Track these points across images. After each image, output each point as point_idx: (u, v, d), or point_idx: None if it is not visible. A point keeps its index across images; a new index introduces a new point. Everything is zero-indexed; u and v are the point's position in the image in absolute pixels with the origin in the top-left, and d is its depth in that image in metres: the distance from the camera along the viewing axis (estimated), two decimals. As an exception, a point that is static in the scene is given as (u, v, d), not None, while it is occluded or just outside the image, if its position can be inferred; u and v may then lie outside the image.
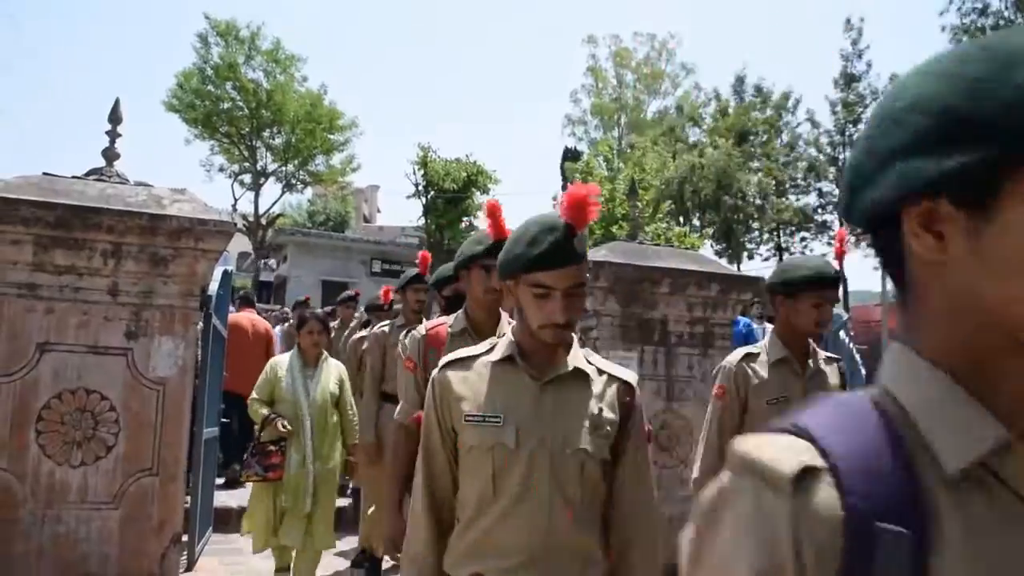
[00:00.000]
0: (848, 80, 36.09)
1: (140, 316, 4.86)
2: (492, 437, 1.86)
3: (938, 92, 0.68)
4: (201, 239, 4.91)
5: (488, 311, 2.99)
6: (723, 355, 6.80)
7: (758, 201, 34.42)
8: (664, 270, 6.09)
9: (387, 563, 5.48)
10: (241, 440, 8.36)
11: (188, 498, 5.23)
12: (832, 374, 3.12)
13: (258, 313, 9.22)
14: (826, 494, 0.66)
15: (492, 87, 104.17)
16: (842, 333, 9.71)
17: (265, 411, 4.79)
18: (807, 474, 0.67)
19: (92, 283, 4.80)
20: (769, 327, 10.10)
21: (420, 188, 27.18)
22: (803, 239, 37.94)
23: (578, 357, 1.96)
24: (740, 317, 8.93)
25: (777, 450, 0.70)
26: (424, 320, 5.18)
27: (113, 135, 5.38)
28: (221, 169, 32.17)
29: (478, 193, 27.41)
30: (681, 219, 29.61)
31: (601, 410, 1.90)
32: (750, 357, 3.09)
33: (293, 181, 32.62)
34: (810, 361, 3.08)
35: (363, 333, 6.96)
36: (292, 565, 4.98)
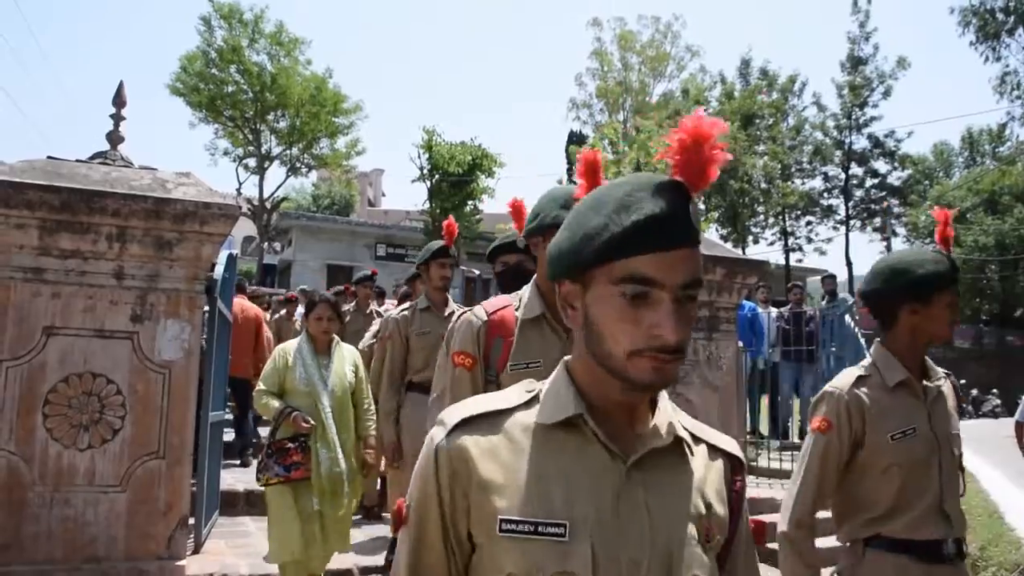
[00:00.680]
0: (855, 63, 35.88)
1: (146, 300, 4.87)
2: (552, 560, 1.09)
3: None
4: (206, 223, 4.91)
5: None
6: (728, 339, 6.82)
7: (764, 185, 34.32)
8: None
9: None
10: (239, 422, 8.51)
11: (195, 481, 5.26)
12: (950, 395, 2.52)
13: (250, 299, 9.11)
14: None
15: (497, 71, 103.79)
16: (847, 317, 9.71)
17: (277, 403, 4.29)
18: None
19: (97, 267, 4.80)
20: (775, 311, 10.11)
21: (425, 172, 27.13)
22: (808, 223, 37.86)
23: (670, 416, 1.22)
24: (745, 301, 8.92)
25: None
26: (449, 300, 4.89)
27: (117, 118, 5.37)
28: (225, 153, 32.17)
29: (483, 177, 27.34)
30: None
31: (710, 507, 1.20)
32: (862, 381, 2.46)
33: (298, 165, 32.60)
34: (927, 381, 2.47)
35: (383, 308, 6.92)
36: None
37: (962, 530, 2.36)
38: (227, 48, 29.44)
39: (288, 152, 31.85)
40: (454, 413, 1.20)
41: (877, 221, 37.03)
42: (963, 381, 25.47)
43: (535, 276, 2.39)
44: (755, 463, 7.88)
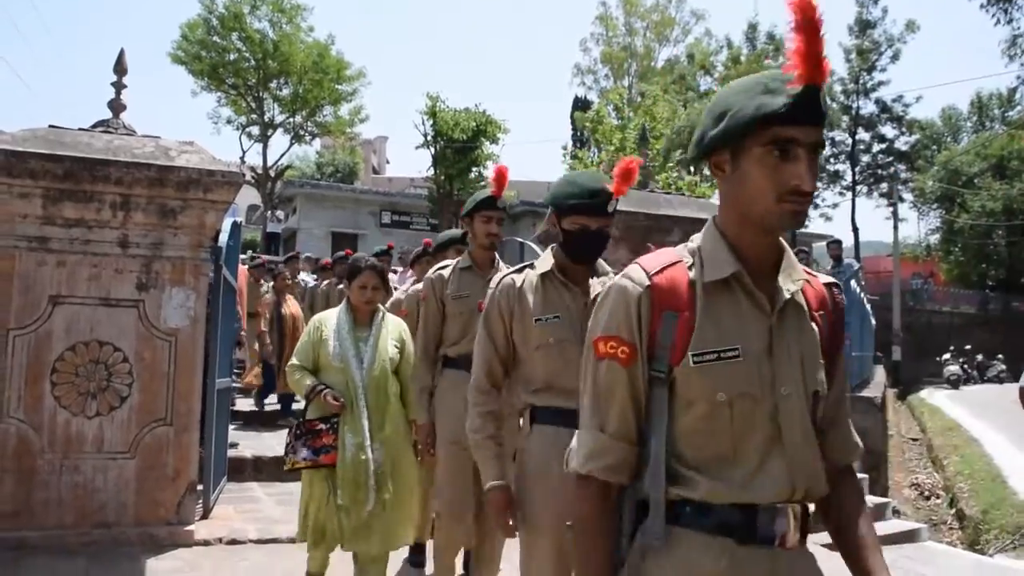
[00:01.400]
0: (863, 27, 35.43)
1: (151, 268, 4.88)
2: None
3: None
4: (209, 190, 4.90)
5: None
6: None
7: (770, 150, 34.01)
8: (675, 218, 6.06)
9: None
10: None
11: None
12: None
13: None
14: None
15: (501, 37, 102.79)
16: (853, 282, 9.69)
17: (310, 381, 3.73)
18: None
19: (102, 235, 4.80)
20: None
21: (429, 138, 26.98)
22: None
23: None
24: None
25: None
26: (497, 260, 3.88)
27: (119, 86, 5.34)
28: (228, 121, 31.99)
29: (487, 143, 27.19)
30: (691, 168, 29.35)
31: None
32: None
33: (301, 133, 32.44)
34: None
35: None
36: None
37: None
38: (228, 15, 29.18)
39: (291, 120, 31.69)
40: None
41: (884, 187, 36.78)
42: (968, 347, 25.50)
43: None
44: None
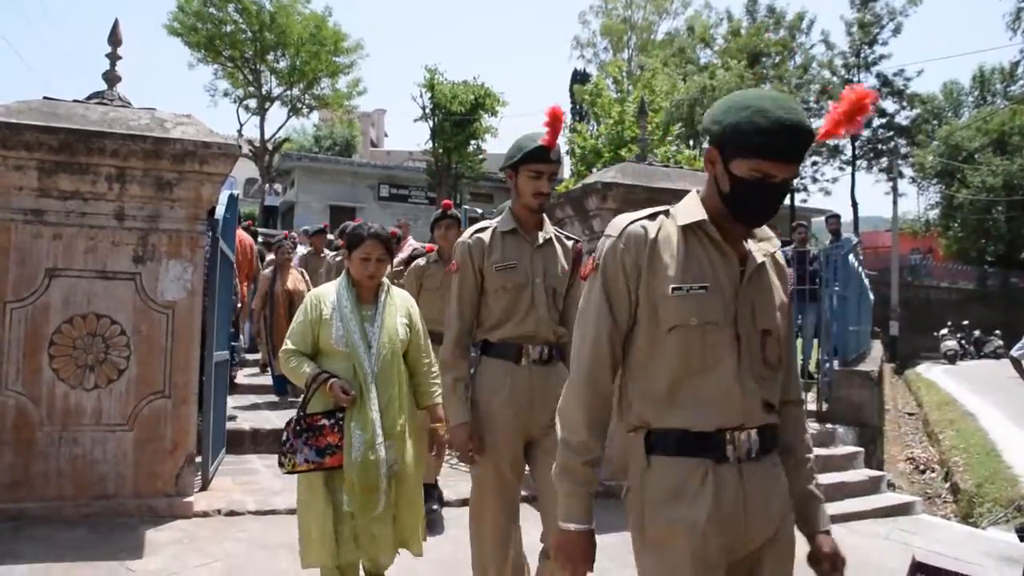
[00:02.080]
0: (865, -1, 35.16)
1: (147, 240, 4.87)
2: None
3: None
4: (206, 162, 4.88)
5: None
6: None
7: (769, 124, 33.86)
8: (673, 192, 6.03)
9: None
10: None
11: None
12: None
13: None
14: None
15: (500, 9, 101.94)
16: (851, 257, 9.68)
17: (310, 368, 3.24)
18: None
19: (98, 208, 4.79)
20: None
21: (427, 111, 26.86)
22: (814, 163, 37.51)
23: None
24: (749, 241, 8.87)
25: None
26: (545, 222, 3.19)
27: (113, 57, 5.30)
28: (225, 94, 31.81)
29: (486, 116, 27.07)
30: (691, 142, 29.25)
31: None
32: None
33: (299, 105, 32.24)
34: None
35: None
36: None
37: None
38: (225, -15, 28.89)
39: (289, 92, 31.49)
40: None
41: (884, 161, 36.69)
42: (966, 322, 25.56)
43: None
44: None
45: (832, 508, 6.21)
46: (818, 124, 1.91)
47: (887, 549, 5.21)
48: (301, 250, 11.45)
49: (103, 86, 5.31)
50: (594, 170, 15.67)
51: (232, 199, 6.02)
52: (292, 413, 3.31)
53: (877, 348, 11.97)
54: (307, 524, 3.21)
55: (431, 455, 3.52)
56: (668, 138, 21.59)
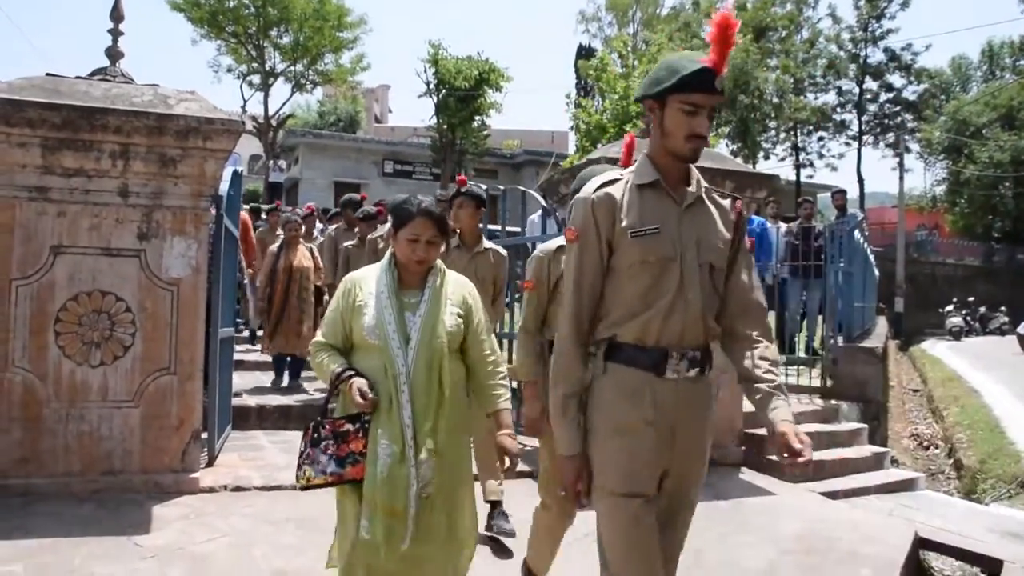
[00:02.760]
0: (873, -29, 34.81)
1: (151, 217, 4.87)
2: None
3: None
4: (209, 138, 4.86)
5: None
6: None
7: (775, 99, 33.70)
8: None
9: None
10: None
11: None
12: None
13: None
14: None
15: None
16: (857, 233, 9.65)
17: (337, 366, 2.75)
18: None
19: (102, 185, 4.78)
20: (784, 227, 10.04)
21: (431, 87, 26.73)
22: (820, 138, 37.34)
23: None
24: (754, 216, 8.85)
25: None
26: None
27: (115, 33, 5.27)
28: (229, 70, 31.69)
29: (490, 91, 26.92)
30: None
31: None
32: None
33: (302, 81, 32.12)
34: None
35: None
36: None
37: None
38: (227, -40, 28.68)
39: (292, 68, 31.35)
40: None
41: (890, 137, 36.47)
42: (971, 299, 25.50)
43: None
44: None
45: (836, 484, 6.25)
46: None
47: (891, 525, 5.24)
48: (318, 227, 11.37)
49: (106, 62, 5.28)
50: (599, 146, 15.61)
51: (236, 175, 6.01)
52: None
53: (882, 324, 11.98)
54: (343, 530, 2.77)
55: (499, 469, 2.91)
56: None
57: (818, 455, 6.53)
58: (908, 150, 34.69)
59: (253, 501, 4.80)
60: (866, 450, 7.05)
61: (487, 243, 4.70)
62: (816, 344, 9.22)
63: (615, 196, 2.22)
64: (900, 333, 21.42)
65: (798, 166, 36.79)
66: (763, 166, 34.53)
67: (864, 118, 36.86)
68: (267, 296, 7.79)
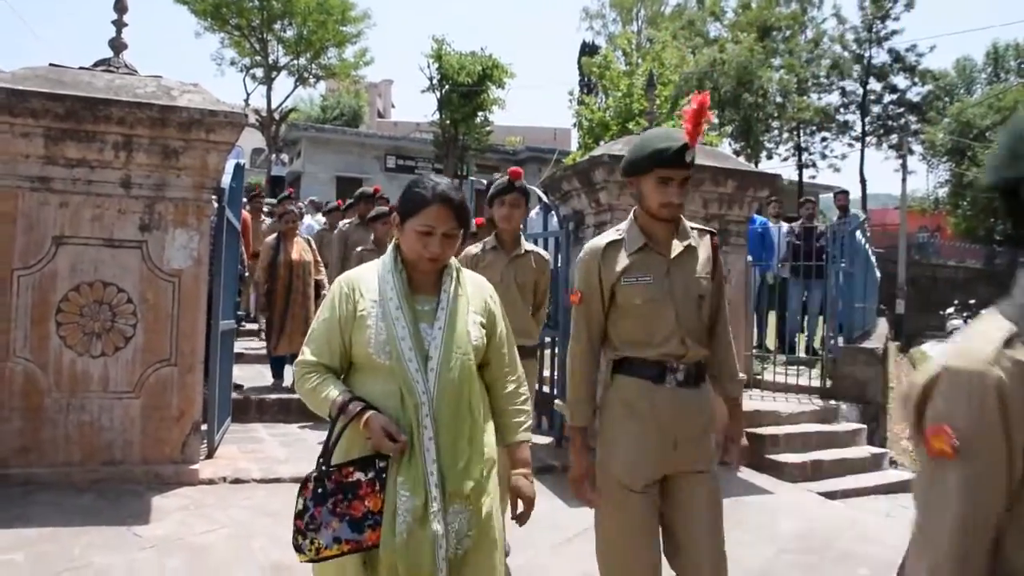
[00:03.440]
0: (878, -28, 34.75)
1: (153, 209, 4.87)
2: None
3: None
4: (212, 131, 4.87)
5: None
6: (738, 253, 6.80)
7: (779, 99, 33.65)
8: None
9: None
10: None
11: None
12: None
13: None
14: None
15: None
16: (859, 234, 9.65)
17: (334, 392, 2.15)
18: None
19: (104, 176, 4.79)
20: (786, 227, 10.04)
21: (434, 82, 26.68)
22: (823, 139, 37.29)
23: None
24: (756, 216, 8.85)
25: None
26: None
27: (119, 24, 5.27)
28: (232, 63, 31.66)
29: (493, 87, 26.89)
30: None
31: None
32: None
33: (306, 75, 32.08)
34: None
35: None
36: None
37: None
38: (231, -47, 28.64)
39: (296, 62, 31.32)
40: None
41: (894, 138, 36.41)
42: (972, 301, 25.49)
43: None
44: (760, 377, 7.95)
45: (834, 484, 6.27)
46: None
47: (888, 526, 5.24)
48: (311, 223, 11.39)
49: (109, 53, 5.28)
50: (602, 143, 15.60)
51: (239, 168, 6.01)
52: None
53: (882, 326, 11.95)
54: None
55: (510, 517, 2.33)
56: (676, 112, 21.46)
57: (817, 455, 6.54)
58: (911, 152, 34.64)
59: (252, 493, 4.81)
60: (865, 451, 7.05)
61: (528, 245, 4.20)
62: (816, 344, 9.22)
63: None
64: (901, 335, 21.41)
65: (801, 166, 36.74)
66: (766, 166, 34.51)
67: (867, 119, 36.76)
68: (267, 291, 7.41)
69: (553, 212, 6.54)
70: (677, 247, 2.55)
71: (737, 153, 30.50)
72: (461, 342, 2.18)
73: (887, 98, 37.01)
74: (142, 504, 4.44)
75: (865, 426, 7.45)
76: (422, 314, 2.19)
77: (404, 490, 2.05)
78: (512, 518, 2.29)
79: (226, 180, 5.40)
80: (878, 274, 13.07)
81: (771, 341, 9.84)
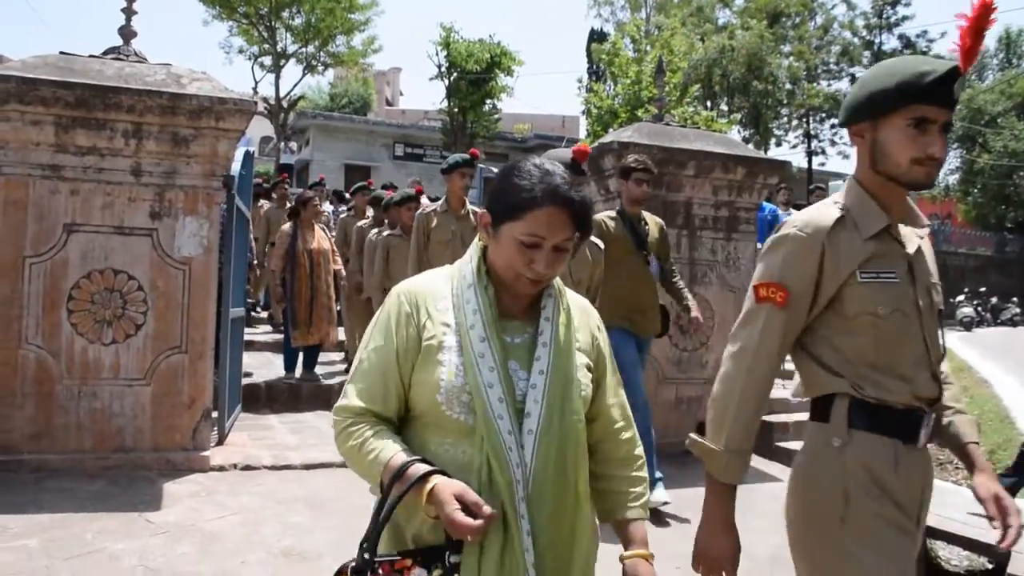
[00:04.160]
0: (889, -43, 34.48)
1: (164, 197, 4.88)
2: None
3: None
4: (221, 118, 4.87)
5: None
6: (747, 240, 6.76)
7: (788, 86, 33.47)
8: (690, 152, 5.99)
9: None
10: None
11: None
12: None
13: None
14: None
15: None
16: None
17: (389, 451, 1.48)
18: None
19: (115, 164, 4.80)
20: (795, 213, 9.99)
21: (442, 70, 26.64)
22: (833, 126, 37.10)
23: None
24: (766, 203, 8.80)
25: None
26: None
27: (128, 12, 5.27)
28: (240, 51, 31.61)
29: (502, 75, 26.83)
30: (708, 103, 28.96)
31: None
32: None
33: (314, 63, 32.02)
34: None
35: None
36: None
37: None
38: (239, -60, 28.58)
39: (304, 50, 31.25)
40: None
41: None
42: (983, 289, 25.38)
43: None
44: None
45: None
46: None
47: (897, 512, 5.23)
48: (327, 210, 11.25)
49: (119, 41, 5.28)
50: (610, 130, 15.57)
51: (248, 156, 6.02)
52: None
53: (892, 313, 11.96)
54: None
55: None
56: (686, 99, 21.38)
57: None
58: (922, 138, 34.37)
59: (263, 480, 4.84)
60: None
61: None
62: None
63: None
64: (910, 322, 21.32)
65: (810, 153, 36.56)
66: (775, 152, 34.35)
67: (878, 106, 36.55)
68: (283, 281, 7.14)
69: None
70: (912, 237, 1.81)
71: (746, 140, 30.38)
72: (570, 394, 1.54)
73: (898, 84, 36.76)
74: (153, 490, 4.47)
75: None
76: (512, 349, 1.55)
77: None
78: None
79: (235, 168, 5.41)
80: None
81: (780, 328, 9.80)
